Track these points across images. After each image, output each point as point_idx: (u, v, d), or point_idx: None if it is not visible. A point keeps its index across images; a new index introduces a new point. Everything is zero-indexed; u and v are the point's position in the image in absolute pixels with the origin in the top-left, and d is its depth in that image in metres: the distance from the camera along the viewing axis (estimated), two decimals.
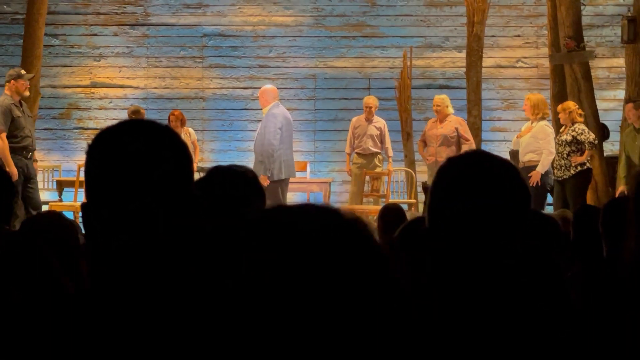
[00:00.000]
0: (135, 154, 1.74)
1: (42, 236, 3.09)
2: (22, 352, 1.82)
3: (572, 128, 11.65)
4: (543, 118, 11.86)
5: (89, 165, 1.78)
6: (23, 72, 11.10)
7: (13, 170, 10.38)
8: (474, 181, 1.96)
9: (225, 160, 14.53)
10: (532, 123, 11.91)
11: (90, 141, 1.81)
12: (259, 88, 11.89)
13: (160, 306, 1.66)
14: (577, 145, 11.61)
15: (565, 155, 11.61)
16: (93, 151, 1.78)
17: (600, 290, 2.57)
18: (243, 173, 3.07)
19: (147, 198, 1.72)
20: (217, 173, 3.07)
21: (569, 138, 11.61)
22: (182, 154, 1.79)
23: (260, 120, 11.80)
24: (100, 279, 1.75)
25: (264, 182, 11.22)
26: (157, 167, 1.74)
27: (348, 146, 13.58)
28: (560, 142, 11.66)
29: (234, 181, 2.99)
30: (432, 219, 1.98)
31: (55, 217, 3.63)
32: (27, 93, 10.99)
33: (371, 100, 13.56)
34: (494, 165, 2.01)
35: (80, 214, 1.81)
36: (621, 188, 11.57)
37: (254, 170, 10.81)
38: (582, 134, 11.60)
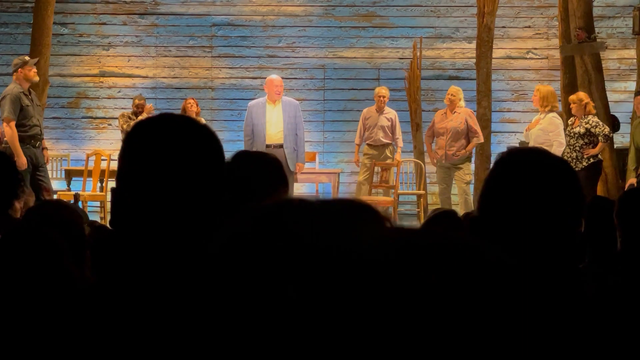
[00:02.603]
0: (172, 149, 1.75)
1: (46, 224, 3.06)
2: (29, 343, 1.79)
3: (586, 120, 11.58)
4: (552, 110, 11.81)
5: (125, 152, 1.78)
6: (27, 58, 11.07)
7: (22, 160, 10.35)
8: (531, 176, 1.94)
9: (234, 150, 14.47)
10: (540, 114, 11.88)
11: (129, 129, 1.83)
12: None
13: (167, 303, 1.64)
14: (590, 137, 11.56)
15: (577, 148, 11.55)
16: (131, 139, 1.79)
17: (615, 284, 2.54)
18: (268, 159, 3.06)
19: (175, 193, 1.72)
20: (242, 157, 3.05)
21: (582, 130, 11.55)
22: (217, 155, 1.80)
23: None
24: (114, 271, 1.73)
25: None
26: (190, 164, 1.74)
27: (357, 137, 13.55)
28: (572, 134, 11.60)
29: (260, 166, 2.98)
30: (483, 207, 1.95)
31: (61, 205, 3.60)
32: (36, 78, 10.96)
33: (384, 90, 13.52)
34: (554, 164, 1.98)
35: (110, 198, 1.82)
36: (631, 180, 11.52)
37: (289, 159, 10.94)
38: (596, 126, 11.54)
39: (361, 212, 1.24)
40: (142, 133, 1.79)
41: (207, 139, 1.80)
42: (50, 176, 12.65)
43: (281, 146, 11.32)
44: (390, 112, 13.40)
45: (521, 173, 1.96)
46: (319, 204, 1.18)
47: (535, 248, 1.85)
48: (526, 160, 2.00)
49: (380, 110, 13.38)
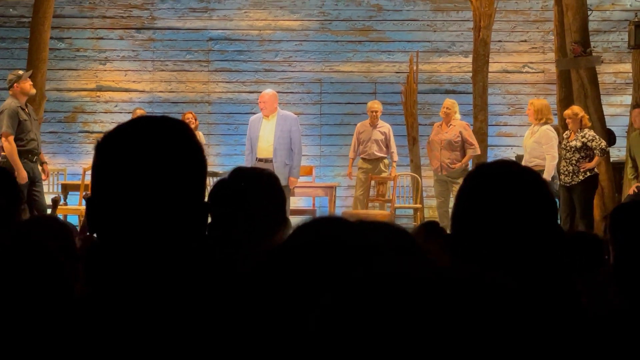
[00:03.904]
0: (146, 153, 1.71)
1: (40, 238, 3.06)
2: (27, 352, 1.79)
3: (582, 134, 11.59)
4: (546, 123, 11.82)
5: (98, 160, 1.76)
6: (20, 72, 11.06)
7: (22, 174, 10.34)
8: (502, 190, 1.95)
9: (230, 165, 14.51)
10: (533, 127, 11.90)
11: (101, 136, 1.80)
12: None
13: (159, 312, 1.64)
14: (586, 151, 11.56)
15: (574, 162, 11.55)
16: (104, 145, 1.76)
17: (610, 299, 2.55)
18: (265, 175, 3.08)
19: (152, 198, 1.69)
20: (240, 174, 3.07)
21: (579, 144, 11.55)
22: (194, 157, 1.76)
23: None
24: (100, 280, 1.72)
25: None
26: (166, 168, 1.71)
27: (352, 151, 13.58)
28: (568, 148, 11.61)
29: (258, 183, 3.00)
30: (457, 225, 1.96)
31: (51, 220, 3.60)
32: (33, 90, 10.95)
33: (376, 104, 13.55)
34: (523, 176, 1.99)
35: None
36: (633, 187, 11.56)
37: (278, 174, 11.00)
38: (593, 140, 11.54)
39: (398, 236, 1.25)
40: (117, 137, 1.77)
41: (184, 138, 1.76)
42: (46, 190, 12.64)
43: (271, 160, 11.36)
44: (384, 126, 13.42)
45: (490, 186, 1.97)
46: (358, 225, 1.20)
47: (515, 260, 1.86)
48: (493, 173, 2.01)
49: (373, 125, 13.40)
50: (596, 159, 11.59)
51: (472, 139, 12.56)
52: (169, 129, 1.75)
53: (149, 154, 1.71)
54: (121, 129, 1.78)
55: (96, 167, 1.76)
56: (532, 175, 2.02)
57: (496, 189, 1.96)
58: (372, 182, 13.27)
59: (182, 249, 1.70)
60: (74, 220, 12.26)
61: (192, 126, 13.39)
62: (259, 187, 2.99)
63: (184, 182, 1.72)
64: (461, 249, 1.91)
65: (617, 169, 12.87)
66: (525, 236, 1.92)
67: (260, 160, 11.35)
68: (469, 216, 1.96)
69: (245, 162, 11.60)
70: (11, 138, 10.54)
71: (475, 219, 1.94)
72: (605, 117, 13.09)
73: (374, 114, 13.39)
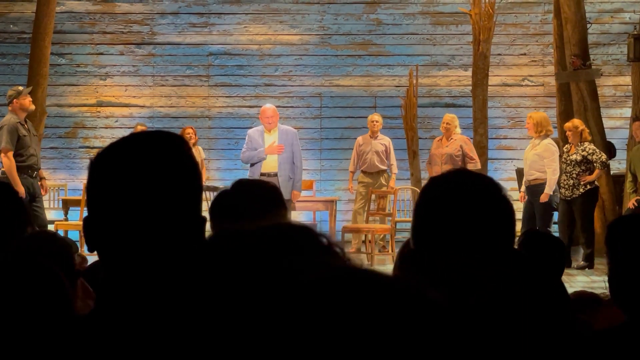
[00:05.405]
0: (139, 168, 1.72)
1: (38, 255, 3.06)
2: None
3: (582, 148, 11.60)
4: (547, 136, 11.83)
5: (92, 178, 1.76)
6: (20, 88, 11.08)
7: (20, 190, 10.35)
8: (457, 201, 1.96)
9: (231, 179, 14.51)
10: (534, 140, 11.91)
11: (94, 155, 1.80)
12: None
13: (165, 326, 1.64)
14: (586, 164, 11.57)
15: (574, 176, 11.56)
16: (97, 164, 1.77)
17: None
18: (268, 187, 3.09)
19: (146, 214, 1.70)
20: (243, 185, 3.09)
21: (579, 158, 11.56)
22: (189, 170, 1.77)
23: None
24: (105, 298, 1.73)
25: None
26: (159, 183, 1.71)
27: (352, 165, 13.60)
28: (569, 162, 11.61)
29: (260, 194, 3.01)
30: (417, 239, 1.97)
31: (50, 237, 3.59)
32: (32, 106, 10.96)
33: (376, 116, 13.61)
34: (477, 184, 2.00)
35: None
36: (632, 200, 11.55)
37: (283, 188, 10.85)
38: (593, 154, 11.55)
39: (296, 235, 1.25)
40: (109, 155, 1.77)
41: (176, 153, 1.76)
42: (47, 206, 12.66)
43: (275, 174, 11.37)
44: (384, 139, 13.46)
45: (444, 196, 1.98)
46: (256, 232, 1.21)
47: (475, 268, 1.86)
48: (446, 183, 2.01)
49: (374, 136, 13.44)
50: (596, 171, 11.60)
51: (473, 153, 12.57)
52: (160, 144, 1.76)
53: (141, 170, 1.72)
54: (113, 146, 1.78)
55: (90, 186, 1.77)
56: (486, 181, 2.03)
57: (450, 198, 1.97)
58: (373, 196, 13.28)
59: (179, 261, 1.71)
60: (75, 235, 12.26)
61: (192, 142, 13.43)
62: (260, 198, 3.00)
63: (178, 196, 1.73)
64: (422, 263, 1.91)
65: (617, 181, 12.88)
66: (483, 243, 1.92)
67: (264, 174, 11.36)
68: (427, 229, 1.96)
69: (242, 155, 11.77)
70: (10, 154, 10.56)
71: (433, 231, 1.95)
72: (605, 129, 13.11)
73: (375, 123, 13.44)
